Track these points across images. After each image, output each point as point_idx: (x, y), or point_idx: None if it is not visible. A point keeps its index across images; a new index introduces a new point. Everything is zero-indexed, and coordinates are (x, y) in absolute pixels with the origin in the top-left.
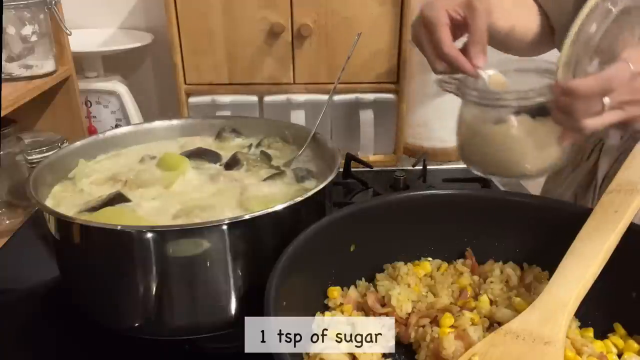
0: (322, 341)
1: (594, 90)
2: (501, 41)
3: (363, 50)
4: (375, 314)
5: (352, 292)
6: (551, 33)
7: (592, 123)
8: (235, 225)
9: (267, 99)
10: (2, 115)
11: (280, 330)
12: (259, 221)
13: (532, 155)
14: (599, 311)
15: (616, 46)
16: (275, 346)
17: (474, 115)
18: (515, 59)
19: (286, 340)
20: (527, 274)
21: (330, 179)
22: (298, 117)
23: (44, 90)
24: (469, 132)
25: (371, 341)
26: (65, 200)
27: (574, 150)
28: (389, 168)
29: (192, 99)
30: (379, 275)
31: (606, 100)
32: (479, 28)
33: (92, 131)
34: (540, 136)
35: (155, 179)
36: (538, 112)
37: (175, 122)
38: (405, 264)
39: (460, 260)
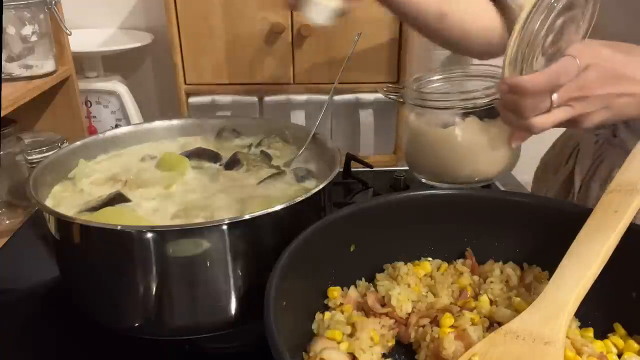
0: (322, 341)
1: (541, 86)
2: (436, 32)
3: (363, 50)
4: (375, 314)
5: (352, 292)
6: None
7: (541, 121)
8: (235, 225)
9: (267, 99)
10: (2, 115)
11: (280, 330)
12: (259, 221)
13: (482, 158)
14: (599, 311)
15: (562, 42)
16: (275, 346)
17: (419, 120)
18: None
19: (286, 340)
20: (527, 274)
21: (330, 179)
22: (298, 117)
23: (44, 90)
24: (415, 137)
25: (371, 341)
26: (65, 200)
27: (564, 152)
28: (389, 168)
29: (192, 99)
30: (379, 275)
31: (554, 96)
32: None
33: (92, 131)
34: (490, 138)
35: (155, 179)
36: (486, 114)
37: (175, 122)
38: (405, 264)
39: (460, 260)
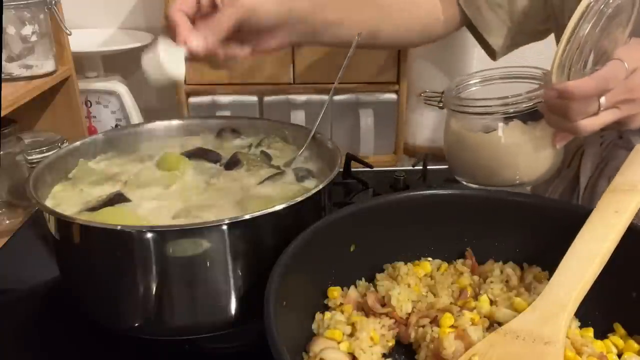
0: (322, 341)
1: (591, 91)
2: (370, 47)
3: (363, 50)
4: (375, 314)
5: (352, 292)
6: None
7: (589, 123)
8: (235, 225)
9: (267, 99)
10: (2, 115)
11: (280, 330)
12: (259, 221)
13: (526, 162)
14: (599, 311)
15: (609, 45)
16: (275, 346)
17: (461, 125)
18: (501, 67)
19: (286, 340)
20: (527, 274)
21: (330, 179)
22: (298, 117)
23: (44, 90)
24: (457, 142)
25: (371, 341)
26: (65, 200)
27: (568, 153)
28: (389, 168)
29: (192, 99)
30: (379, 275)
31: (602, 100)
32: (220, 20)
33: (92, 131)
34: (533, 141)
35: (155, 179)
36: (529, 116)
37: (175, 122)
38: (405, 264)
39: (460, 260)
